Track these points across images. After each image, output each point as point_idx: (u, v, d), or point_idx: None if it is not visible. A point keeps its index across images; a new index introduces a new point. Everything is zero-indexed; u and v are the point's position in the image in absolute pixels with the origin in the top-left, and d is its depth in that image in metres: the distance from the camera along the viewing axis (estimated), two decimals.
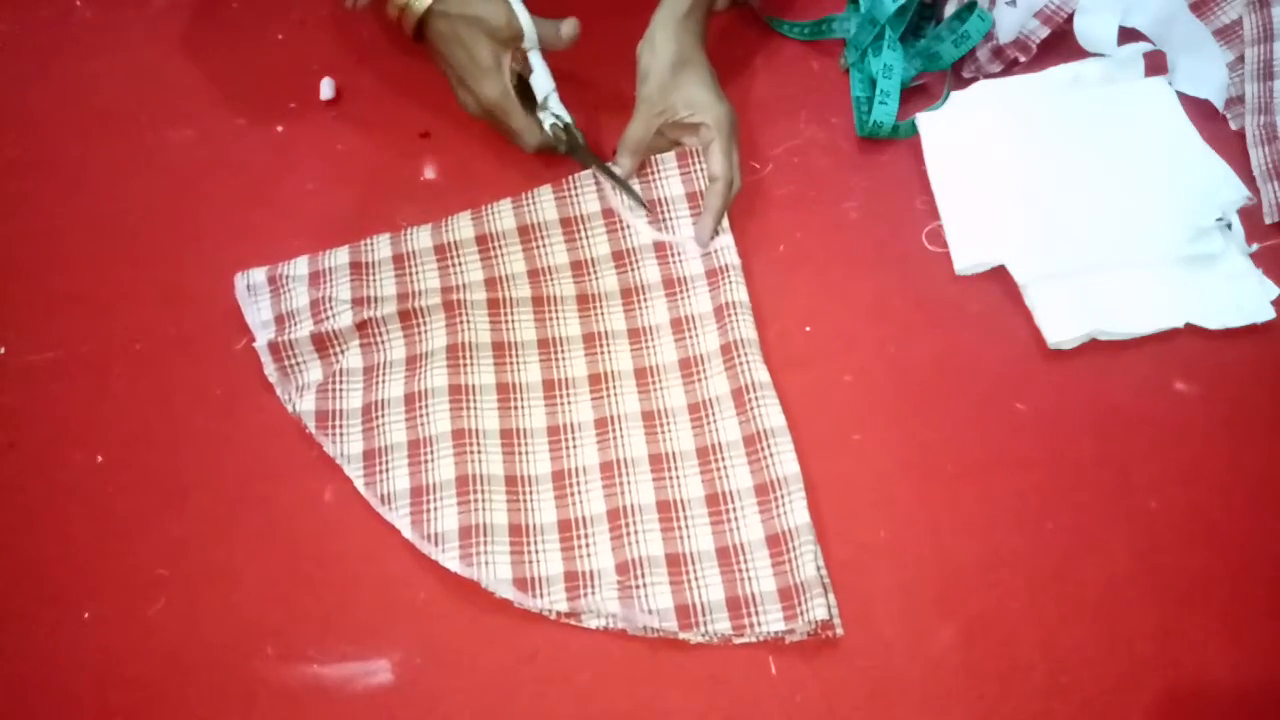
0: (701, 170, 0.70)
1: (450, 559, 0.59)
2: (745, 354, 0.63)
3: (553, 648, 0.57)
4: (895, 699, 0.54)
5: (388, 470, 0.62)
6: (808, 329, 0.67)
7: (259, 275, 0.70)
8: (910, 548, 0.59)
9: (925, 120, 0.74)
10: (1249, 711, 0.53)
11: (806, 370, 0.65)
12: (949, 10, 0.78)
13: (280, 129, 0.79)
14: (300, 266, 0.70)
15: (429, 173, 0.76)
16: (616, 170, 0.70)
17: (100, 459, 0.65)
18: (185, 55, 0.85)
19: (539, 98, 0.71)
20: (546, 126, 0.71)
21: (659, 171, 0.71)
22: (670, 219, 0.70)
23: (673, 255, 0.69)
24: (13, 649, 0.59)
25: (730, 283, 0.66)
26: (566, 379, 0.65)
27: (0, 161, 0.80)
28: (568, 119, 0.72)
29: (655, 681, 0.56)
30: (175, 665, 0.58)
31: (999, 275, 0.68)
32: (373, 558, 0.60)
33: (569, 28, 0.70)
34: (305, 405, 0.65)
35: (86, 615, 0.60)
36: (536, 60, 0.70)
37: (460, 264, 0.69)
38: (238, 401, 0.67)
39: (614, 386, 0.65)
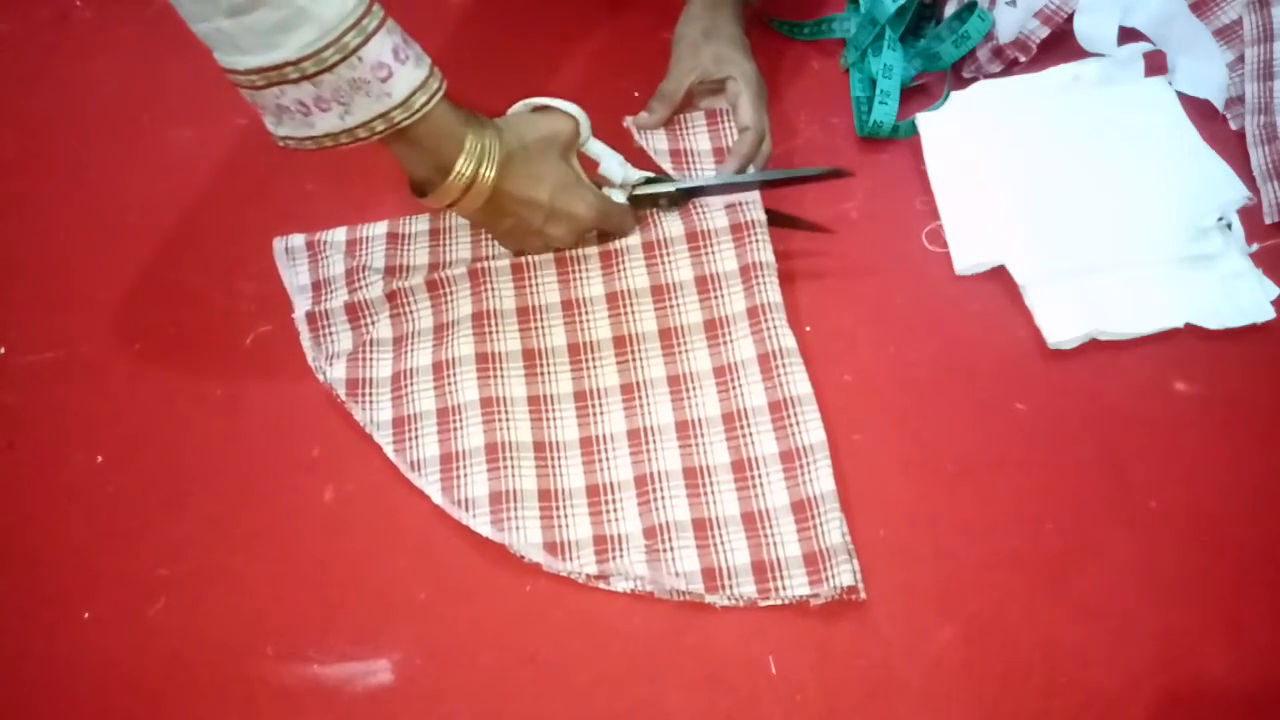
0: (729, 128, 0.72)
1: (481, 524, 0.59)
2: (772, 319, 0.64)
3: (553, 648, 0.57)
4: (895, 699, 0.54)
5: (417, 437, 0.63)
6: (808, 329, 0.67)
7: (297, 240, 0.72)
8: (910, 548, 0.59)
9: (925, 120, 0.74)
10: (1249, 711, 0.53)
11: (807, 370, 0.64)
12: (949, 10, 0.78)
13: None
14: (339, 234, 0.72)
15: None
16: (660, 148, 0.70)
17: (100, 459, 0.65)
18: (185, 55, 0.85)
19: (617, 181, 0.66)
20: (623, 199, 0.67)
21: (687, 127, 0.73)
22: (695, 171, 0.71)
23: (696, 209, 0.69)
24: (13, 649, 0.59)
25: (757, 241, 0.66)
26: (591, 342, 0.66)
27: (0, 161, 0.80)
28: (648, 174, 0.68)
29: (655, 681, 0.56)
30: (175, 665, 0.58)
31: (999, 275, 0.68)
32: (373, 558, 0.60)
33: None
34: (336, 373, 0.66)
35: (86, 615, 0.60)
36: (601, 148, 0.66)
37: (490, 238, 0.70)
38: (238, 401, 0.67)
39: (639, 350, 0.65)
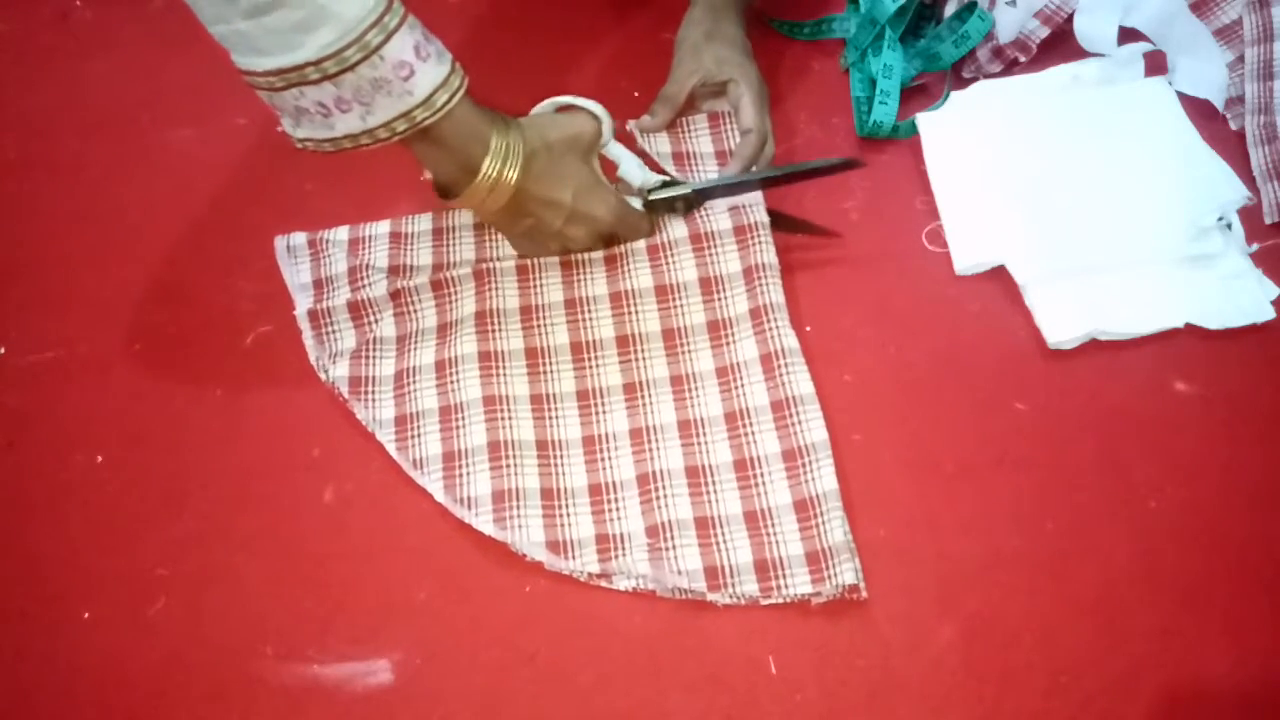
0: (731, 130, 0.72)
1: (484, 523, 0.59)
2: (774, 319, 0.64)
3: (553, 648, 0.57)
4: (895, 699, 0.54)
5: (420, 435, 0.63)
6: (808, 329, 0.67)
7: (299, 238, 0.72)
8: (910, 547, 0.59)
9: (925, 120, 0.74)
10: (1249, 711, 0.53)
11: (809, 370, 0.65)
12: (949, 10, 0.78)
13: (280, 129, 0.79)
14: (341, 233, 0.72)
15: (429, 173, 0.75)
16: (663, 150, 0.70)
17: (100, 459, 0.65)
18: (185, 55, 0.85)
19: (636, 184, 0.66)
20: (640, 205, 0.67)
21: (690, 130, 0.73)
22: (698, 174, 0.71)
23: (699, 211, 0.69)
24: (13, 649, 0.59)
25: (760, 243, 0.66)
26: (595, 341, 0.66)
27: (0, 161, 0.80)
28: (664, 177, 0.68)
29: (655, 681, 0.56)
30: (175, 665, 0.58)
31: (999, 275, 0.68)
32: (373, 558, 0.60)
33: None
34: (339, 371, 0.66)
35: (86, 615, 0.60)
36: (620, 150, 0.65)
37: (496, 238, 0.70)
38: (238, 401, 0.67)
39: (642, 350, 0.65)
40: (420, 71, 0.52)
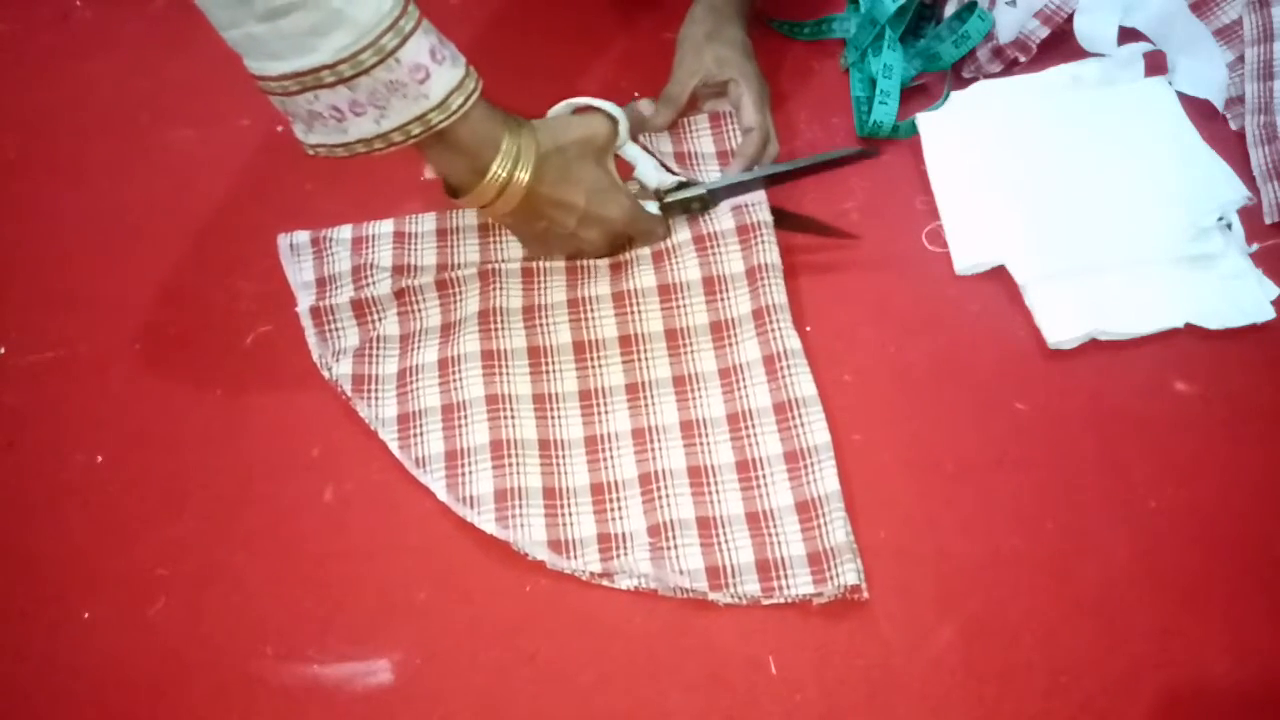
0: (732, 130, 0.72)
1: (486, 521, 0.59)
2: (777, 320, 0.64)
3: (553, 648, 0.57)
4: (895, 699, 0.54)
5: (422, 434, 0.63)
6: (808, 329, 0.67)
7: (302, 236, 0.72)
8: (910, 547, 0.59)
9: (925, 120, 0.74)
10: (1249, 711, 0.53)
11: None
12: (949, 10, 0.78)
13: (280, 129, 0.79)
14: (344, 231, 0.72)
15: (429, 173, 0.76)
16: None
17: (100, 459, 0.65)
18: (185, 55, 0.85)
19: (652, 185, 0.67)
20: (656, 209, 0.67)
21: (691, 130, 0.73)
22: (700, 174, 0.71)
23: (704, 213, 0.69)
24: (13, 649, 0.59)
25: (763, 242, 0.66)
26: (597, 341, 0.66)
27: (0, 161, 0.80)
28: (680, 178, 0.68)
29: (655, 681, 0.56)
30: (175, 665, 0.58)
31: (999, 275, 0.68)
32: (373, 558, 0.60)
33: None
34: (342, 369, 0.66)
35: (86, 615, 0.60)
36: (637, 151, 0.66)
37: (501, 240, 0.70)
38: (237, 401, 0.67)
39: (645, 350, 0.65)
40: (436, 74, 0.52)
